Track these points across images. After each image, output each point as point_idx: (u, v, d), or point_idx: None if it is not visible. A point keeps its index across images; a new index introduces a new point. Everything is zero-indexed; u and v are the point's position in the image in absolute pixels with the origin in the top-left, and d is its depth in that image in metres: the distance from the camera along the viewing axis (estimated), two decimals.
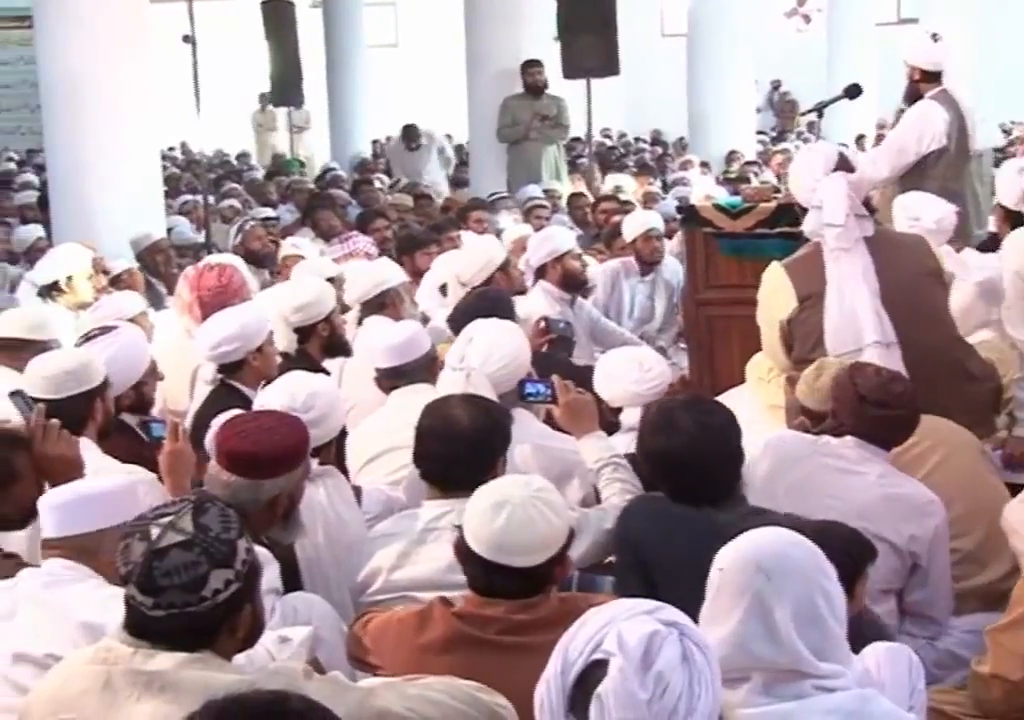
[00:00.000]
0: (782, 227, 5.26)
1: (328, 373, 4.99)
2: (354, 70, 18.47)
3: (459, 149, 16.84)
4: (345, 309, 5.93)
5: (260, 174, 15.91)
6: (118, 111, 8.24)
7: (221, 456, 3.31)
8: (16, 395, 3.90)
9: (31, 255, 8.41)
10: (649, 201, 10.50)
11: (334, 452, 4.00)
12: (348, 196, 11.81)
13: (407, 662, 2.87)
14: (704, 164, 14.38)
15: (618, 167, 15.15)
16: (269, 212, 10.60)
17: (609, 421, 4.46)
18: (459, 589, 3.01)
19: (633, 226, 7.51)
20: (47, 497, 3.07)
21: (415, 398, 4.11)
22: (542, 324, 5.69)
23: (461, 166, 15.58)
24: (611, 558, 3.66)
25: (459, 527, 2.93)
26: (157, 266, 7.90)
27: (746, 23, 15.57)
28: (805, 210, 4.60)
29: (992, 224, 6.06)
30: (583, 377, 4.64)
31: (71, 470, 3.46)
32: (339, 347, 5.40)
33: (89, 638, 2.75)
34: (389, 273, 6.02)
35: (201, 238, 9.94)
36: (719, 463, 3.42)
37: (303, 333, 5.30)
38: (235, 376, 4.75)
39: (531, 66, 11.31)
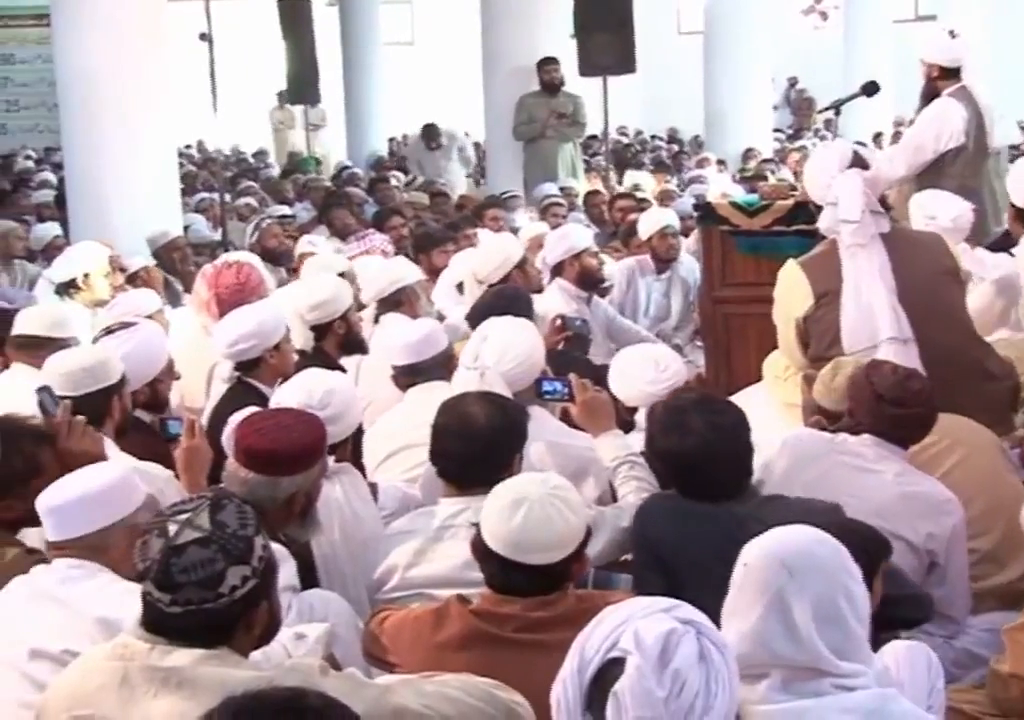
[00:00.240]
0: (799, 225, 5.24)
1: (345, 371, 4.99)
2: (370, 68, 18.49)
3: (475, 147, 16.84)
4: (361, 307, 5.94)
5: (276, 172, 15.93)
6: (135, 109, 8.26)
7: (239, 453, 3.32)
8: (43, 391, 3.92)
9: (48, 253, 8.43)
10: (666, 199, 10.49)
11: (350, 449, 4.00)
12: (364, 194, 11.81)
13: (424, 660, 2.86)
14: (721, 162, 14.37)
15: (635, 165, 15.16)
16: (285, 210, 10.61)
17: (625, 420, 4.46)
18: (475, 587, 3.01)
19: (648, 224, 7.50)
20: (44, 498, 3.03)
21: (432, 396, 4.11)
22: (558, 322, 5.69)
23: (480, 165, 15.59)
24: (627, 556, 3.66)
25: (476, 525, 2.93)
26: (174, 264, 7.91)
27: (763, 20, 15.54)
28: (820, 208, 4.59)
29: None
30: (600, 375, 4.63)
31: None
32: (355, 345, 5.41)
33: (105, 634, 2.76)
34: (405, 271, 6.03)
35: (217, 236, 9.96)
36: (731, 462, 3.43)
37: (320, 331, 5.31)
38: (252, 374, 4.76)
39: (547, 64, 11.30)
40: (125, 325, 4.66)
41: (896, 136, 14.48)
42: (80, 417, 3.75)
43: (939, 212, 5.45)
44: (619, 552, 3.64)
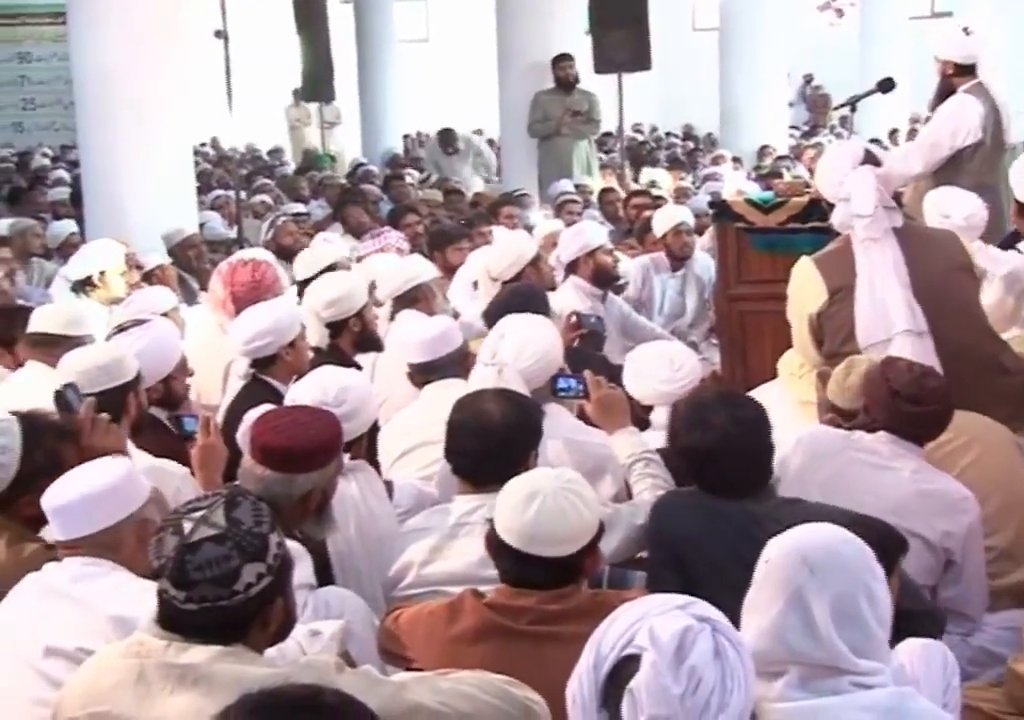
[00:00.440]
0: (814, 222, 5.24)
1: (360, 368, 5.00)
2: (385, 65, 18.50)
3: (490, 144, 16.83)
4: (378, 304, 5.94)
5: (291, 169, 15.94)
6: (151, 107, 8.27)
7: (255, 450, 3.32)
8: (68, 388, 3.93)
9: (64, 250, 8.44)
10: (681, 196, 10.49)
11: (365, 446, 4.01)
12: (379, 192, 11.82)
13: (439, 654, 2.87)
14: (736, 159, 14.35)
15: (650, 162, 15.13)
16: (300, 207, 10.62)
17: (640, 417, 4.45)
18: (490, 584, 3.01)
19: (663, 221, 7.49)
20: (49, 498, 3.02)
21: (447, 393, 4.11)
22: (573, 319, 5.69)
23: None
24: (643, 553, 3.66)
25: (490, 520, 2.94)
26: (189, 261, 7.93)
27: (778, 17, 15.50)
28: (832, 207, 4.59)
29: None
30: (615, 373, 4.63)
31: None
32: (371, 342, 5.42)
33: (119, 632, 2.76)
34: (421, 269, 6.04)
35: (233, 233, 9.98)
36: (752, 457, 3.43)
37: (335, 328, 5.32)
38: (267, 371, 4.77)
39: (562, 60, 11.29)
40: (138, 322, 4.67)
41: (912, 133, 14.45)
42: (104, 414, 3.76)
43: (953, 210, 5.44)
44: (635, 549, 3.64)
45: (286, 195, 12.57)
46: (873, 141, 13.76)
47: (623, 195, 10.17)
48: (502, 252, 6.34)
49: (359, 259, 7.46)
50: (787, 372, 4.77)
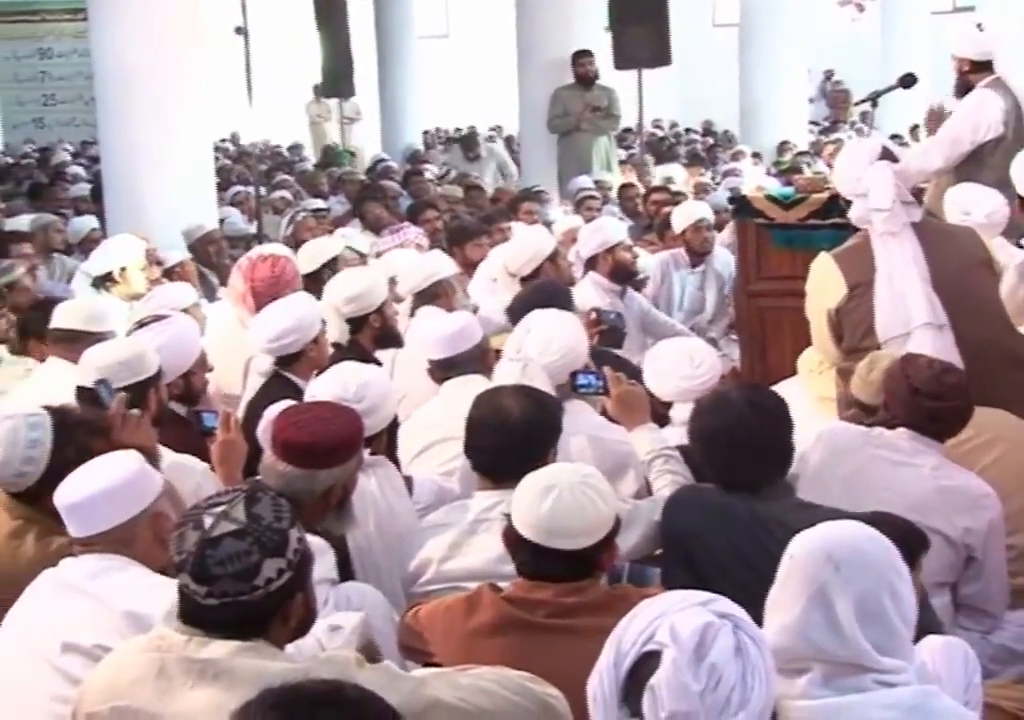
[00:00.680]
0: (834, 218, 5.23)
1: (380, 364, 5.00)
2: (405, 61, 18.51)
3: (509, 140, 16.82)
4: (398, 300, 5.95)
5: (311, 165, 15.95)
6: (171, 103, 8.29)
7: (277, 446, 3.32)
8: (100, 384, 3.95)
9: (85, 246, 8.47)
10: (700, 192, 10.46)
11: (385, 442, 4.01)
12: (399, 187, 11.82)
13: (457, 648, 2.89)
14: (756, 155, 14.30)
15: (669, 158, 15.09)
16: (320, 203, 10.62)
17: (660, 414, 4.44)
18: (509, 580, 3.01)
19: (682, 217, 7.48)
20: (61, 496, 3.01)
21: (467, 389, 4.11)
22: (593, 315, 5.68)
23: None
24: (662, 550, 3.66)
25: (508, 515, 2.95)
26: (209, 257, 7.95)
27: (799, 12, 15.44)
28: (850, 204, 4.58)
29: None
30: (634, 369, 4.62)
31: (148, 459, 3.47)
32: (391, 338, 5.42)
33: (134, 628, 2.77)
34: (441, 264, 6.03)
35: (253, 229, 9.99)
36: (766, 443, 3.40)
37: (355, 324, 5.33)
38: (290, 367, 4.77)
39: (582, 56, 11.27)
40: (158, 318, 4.69)
41: (928, 122, 14.36)
42: (135, 410, 3.77)
43: (973, 208, 5.41)
44: (654, 546, 3.64)
45: (306, 191, 12.57)
46: (894, 137, 13.75)
47: (643, 191, 10.16)
48: (520, 248, 6.34)
49: (378, 255, 7.47)
50: (806, 369, 4.76)
